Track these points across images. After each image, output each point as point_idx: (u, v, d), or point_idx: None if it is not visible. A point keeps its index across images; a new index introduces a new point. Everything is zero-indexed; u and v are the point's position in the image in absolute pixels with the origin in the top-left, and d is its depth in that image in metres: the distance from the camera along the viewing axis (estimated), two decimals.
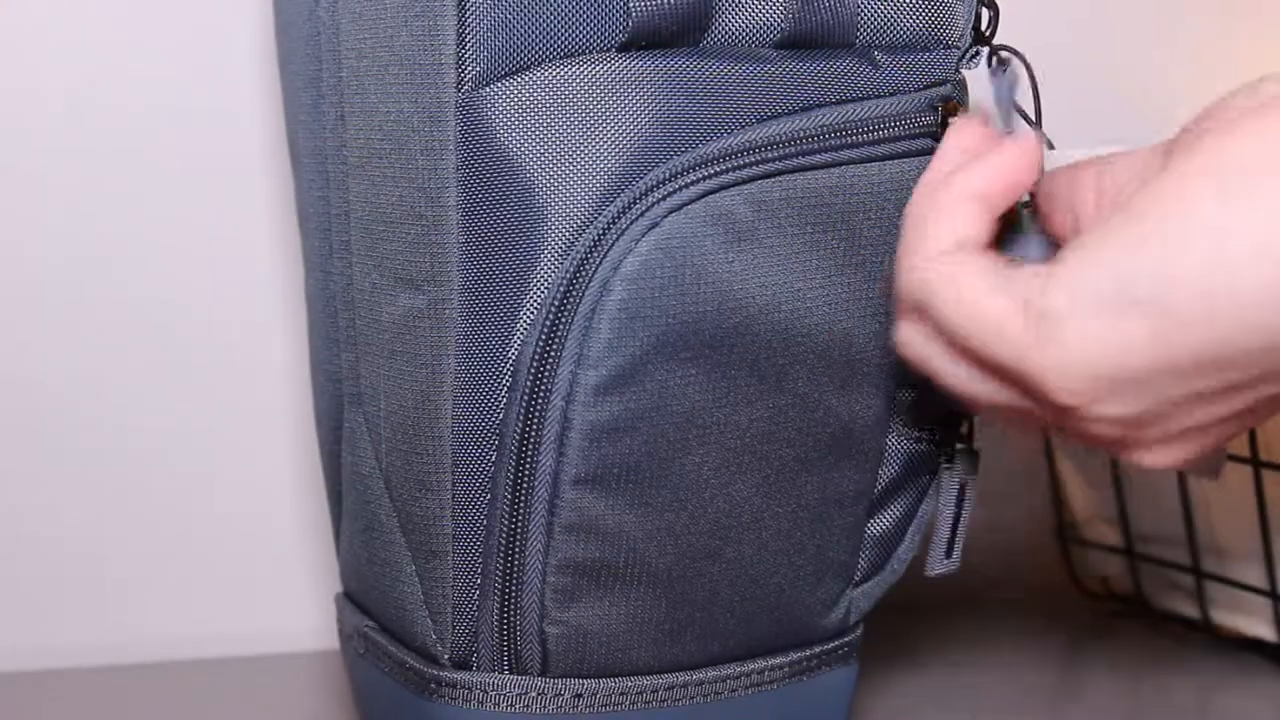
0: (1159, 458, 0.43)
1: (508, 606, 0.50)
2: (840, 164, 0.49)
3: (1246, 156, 0.40)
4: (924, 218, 0.45)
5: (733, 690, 0.53)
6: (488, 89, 0.47)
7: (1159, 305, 0.39)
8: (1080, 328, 0.40)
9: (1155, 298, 0.39)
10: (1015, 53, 0.52)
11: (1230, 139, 0.40)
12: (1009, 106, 0.49)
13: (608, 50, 0.47)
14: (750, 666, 0.53)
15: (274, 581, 0.72)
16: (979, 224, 0.45)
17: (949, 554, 0.56)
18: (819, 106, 0.49)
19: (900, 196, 0.50)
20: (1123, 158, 0.46)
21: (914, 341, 0.45)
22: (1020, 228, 0.48)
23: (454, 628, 0.50)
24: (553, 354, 0.47)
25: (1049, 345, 0.41)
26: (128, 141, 0.70)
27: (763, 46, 0.49)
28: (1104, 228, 0.41)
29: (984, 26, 0.52)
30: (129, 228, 0.70)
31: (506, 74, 0.47)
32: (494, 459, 0.49)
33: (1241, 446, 0.67)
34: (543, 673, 0.50)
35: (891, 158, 0.50)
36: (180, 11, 0.70)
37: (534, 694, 0.51)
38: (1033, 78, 0.52)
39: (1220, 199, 0.39)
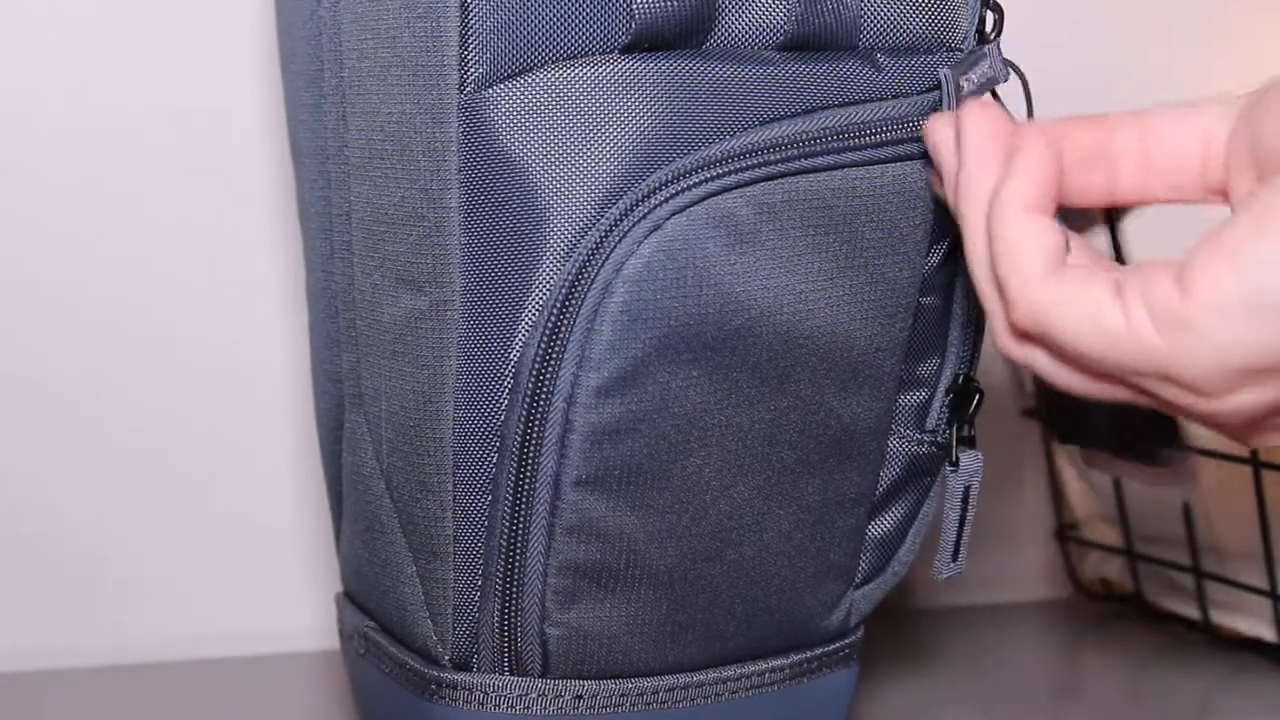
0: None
1: (508, 608, 0.50)
2: (843, 166, 0.49)
3: None
4: (1003, 245, 0.44)
5: (733, 692, 0.53)
6: (490, 90, 0.47)
7: None
8: (1220, 333, 0.40)
9: None
10: (1014, 67, 0.52)
11: None
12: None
13: (611, 52, 0.47)
14: (751, 668, 0.53)
15: (274, 581, 0.72)
16: (1050, 227, 0.44)
17: (955, 557, 0.56)
18: (822, 109, 0.49)
19: (903, 199, 0.50)
20: (1210, 113, 0.45)
21: (1028, 357, 0.45)
22: None
23: (454, 629, 0.50)
24: (554, 356, 0.47)
25: (1187, 348, 0.40)
26: (128, 141, 0.70)
27: (766, 49, 0.49)
28: (1233, 231, 0.40)
29: (988, 29, 0.52)
30: (129, 228, 0.70)
31: (509, 76, 0.47)
32: (495, 460, 0.49)
33: (1241, 446, 0.67)
34: (543, 674, 0.50)
35: (894, 160, 0.50)
36: (180, 11, 0.70)
37: (534, 695, 0.51)
38: (1027, 94, 0.53)
39: None
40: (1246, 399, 0.41)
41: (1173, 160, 0.46)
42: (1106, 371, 0.43)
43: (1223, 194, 0.45)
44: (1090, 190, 0.46)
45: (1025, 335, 0.45)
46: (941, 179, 0.49)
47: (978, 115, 0.47)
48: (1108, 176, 0.46)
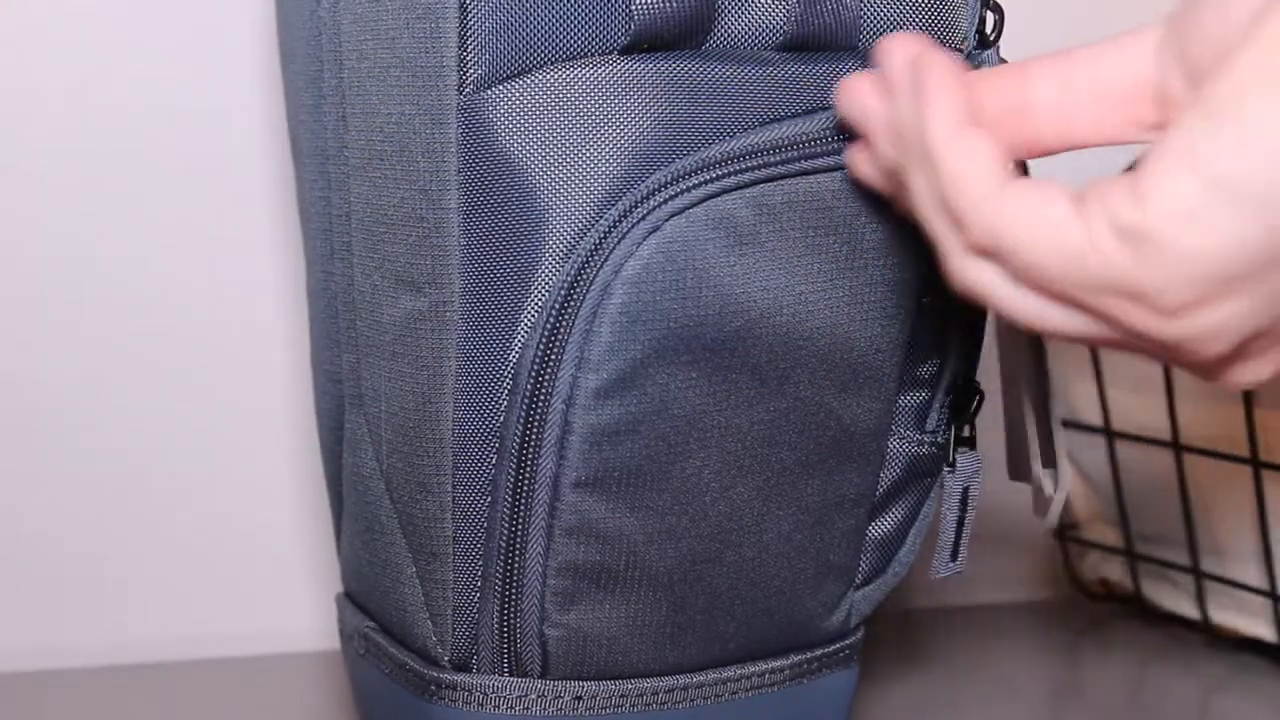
0: (1259, 369, 0.41)
1: (508, 609, 0.50)
2: (843, 167, 0.49)
3: None
4: (947, 167, 0.42)
5: (733, 693, 0.53)
6: (489, 92, 0.47)
7: (1266, 200, 0.37)
8: (1186, 239, 0.38)
9: (1263, 196, 0.37)
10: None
11: None
12: None
13: (610, 53, 0.47)
14: (751, 669, 0.53)
15: (274, 581, 0.72)
16: (988, 139, 0.42)
17: (954, 557, 0.56)
18: (822, 109, 0.49)
19: None
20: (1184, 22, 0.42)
21: (981, 280, 0.43)
22: None
23: (454, 629, 0.50)
24: (553, 357, 0.47)
25: (1152, 261, 0.38)
26: (128, 141, 0.70)
27: (765, 49, 0.49)
28: (1184, 132, 0.38)
29: (988, 29, 0.52)
30: (129, 228, 0.70)
31: (508, 77, 0.47)
32: (494, 461, 0.49)
33: (1241, 447, 0.67)
34: (543, 675, 0.50)
35: None
36: (180, 11, 0.70)
37: (534, 696, 0.51)
38: None
39: None
40: (1217, 316, 0.39)
41: (1103, 99, 0.44)
42: (1067, 293, 0.41)
43: (1160, 129, 0.43)
44: (1016, 139, 0.45)
45: (982, 253, 0.42)
46: (870, 151, 0.47)
47: (895, 48, 0.45)
48: (1031, 124, 0.44)
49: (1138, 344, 0.41)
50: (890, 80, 0.45)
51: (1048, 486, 0.57)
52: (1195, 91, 0.41)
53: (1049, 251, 0.40)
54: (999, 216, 0.41)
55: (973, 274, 0.43)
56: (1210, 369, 0.41)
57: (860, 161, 0.48)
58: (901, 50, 0.45)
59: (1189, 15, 0.42)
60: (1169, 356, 0.41)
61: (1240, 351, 0.41)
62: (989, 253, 0.42)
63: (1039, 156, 0.45)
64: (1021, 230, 0.40)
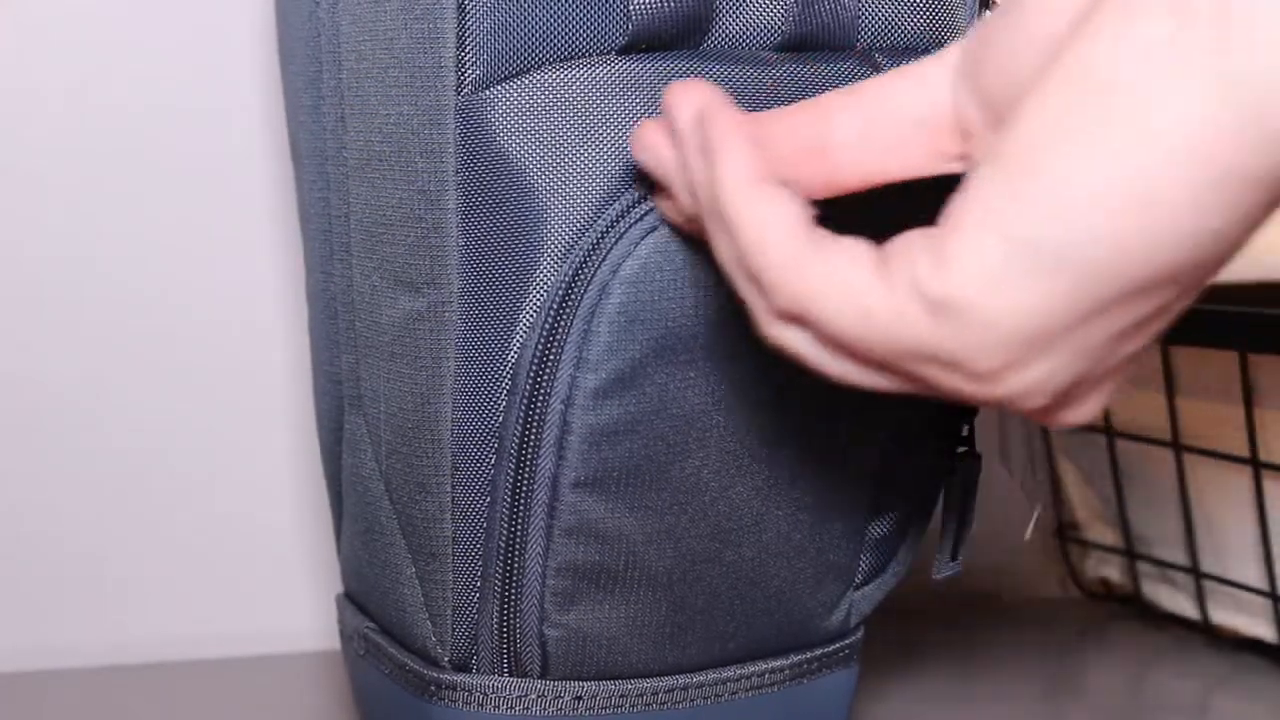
0: (1085, 410, 0.39)
1: (507, 609, 0.50)
2: None
3: (1104, 56, 0.34)
4: (744, 229, 0.40)
5: (733, 693, 0.53)
6: (487, 92, 0.47)
7: (1074, 261, 0.35)
8: (989, 305, 0.36)
9: (1067, 256, 0.35)
10: None
11: (1088, 43, 0.35)
12: None
13: (608, 53, 0.47)
14: (751, 669, 0.53)
15: (274, 581, 0.72)
16: (786, 195, 0.40)
17: (954, 557, 0.56)
18: None
19: None
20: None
21: (793, 343, 0.40)
22: None
23: (454, 630, 0.50)
24: (552, 357, 0.47)
25: (960, 330, 0.36)
26: (128, 141, 0.70)
27: (763, 49, 0.49)
28: (982, 190, 0.36)
29: None
30: (129, 228, 0.70)
31: (506, 77, 0.47)
32: (493, 462, 0.49)
33: (1241, 446, 0.67)
34: (542, 675, 0.50)
35: None
36: (180, 11, 0.70)
37: (534, 696, 0.51)
38: None
39: (1099, 119, 0.34)
40: (1033, 375, 0.37)
41: (903, 133, 0.42)
42: (877, 359, 0.39)
43: (965, 159, 0.41)
44: (815, 181, 0.42)
45: (789, 319, 0.40)
46: (672, 198, 0.45)
47: (682, 97, 0.43)
48: (832, 163, 0.42)
49: (958, 399, 0.39)
50: (679, 137, 0.43)
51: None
52: (993, 130, 0.40)
53: (855, 321, 0.38)
54: (802, 283, 0.39)
55: (782, 338, 0.40)
56: (1034, 416, 0.39)
57: (666, 210, 0.46)
58: (687, 103, 0.43)
59: (981, 45, 0.40)
60: (998, 409, 0.40)
61: (1062, 400, 0.39)
62: (796, 319, 0.40)
63: (842, 194, 0.43)
64: (826, 298, 0.38)
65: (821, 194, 0.42)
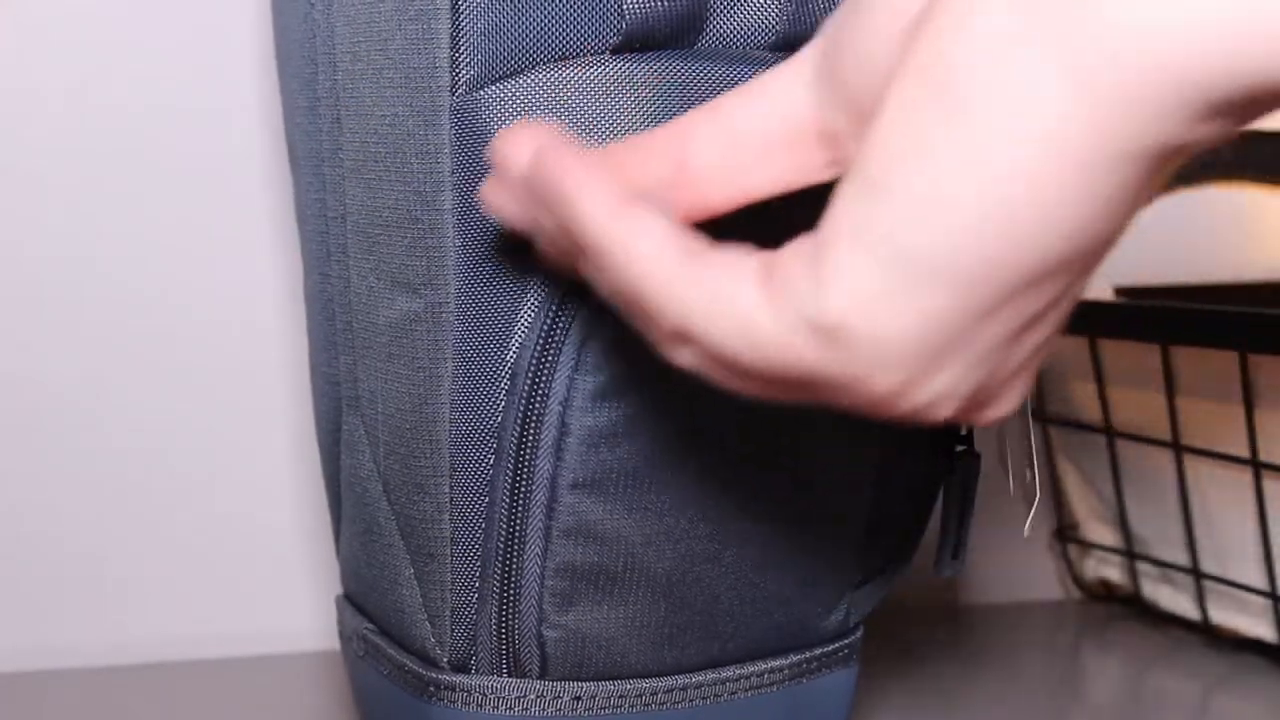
0: (1003, 406, 0.38)
1: (506, 610, 0.50)
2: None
3: (946, 56, 0.33)
4: (616, 260, 0.38)
5: (733, 693, 0.53)
6: (482, 92, 0.47)
7: (949, 271, 0.33)
8: (875, 327, 0.34)
9: (941, 267, 0.33)
10: None
11: (929, 42, 0.33)
12: None
13: (602, 53, 0.47)
14: (750, 669, 0.53)
15: (274, 581, 0.72)
16: (654, 213, 0.37)
17: (955, 556, 0.56)
18: None
19: None
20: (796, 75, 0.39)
21: (692, 363, 0.39)
22: None
23: (452, 631, 0.50)
24: (550, 359, 0.47)
25: (848, 354, 0.35)
26: (128, 141, 0.70)
27: (757, 49, 0.49)
28: (848, 207, 0.34)
29: None
30: (129, 228, 0.70)
31: (501, 77, 0.47)
32: (492, 463, 0.49)
33: (1241, 447, 0.67)
34: (541, 675, 0.50)
35: None
36: (180, 11, 0.70)
37: (533, 697, 0.50)
38: None
39: (950, 122, 0.33)
40: (935, 387, 0.36)
41: (766, 147, 0.40)
42: (776, 380, 0.37)
43: (836, 165, 0.40)
44: (679, 209, 0.41)
45: (680, 341, 0.38)
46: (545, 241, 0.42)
47: (512, 147, 0.40)
48: (696, 190, 0.40)
49: (878, 412, 0.37)
50: (520, 188, 0.41)
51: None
52: (856, 139, 0.38)
53: (745, 347, 0.36)
54: (684, 305, 0.37)
55: (679, 358, 0.39)
56: (963, 416, 0.38)
57: (547, 258, 0.44)
58: (518, 152, 0.41)
59: (834, 48, 0.39)
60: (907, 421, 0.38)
61: (976, 403, 0.37)
62: (685, 341, 0.38)
63: (713, 218, 0.41)
64: (711, 320, 0.36)
65: (690, 220, 0.41)
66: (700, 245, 0.37)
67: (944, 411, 0.37)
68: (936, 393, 0.36)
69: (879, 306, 0.34)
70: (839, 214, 0.34)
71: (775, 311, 0.35)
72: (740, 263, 0.36)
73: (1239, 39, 0.30)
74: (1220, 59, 0.31)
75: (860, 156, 0.34)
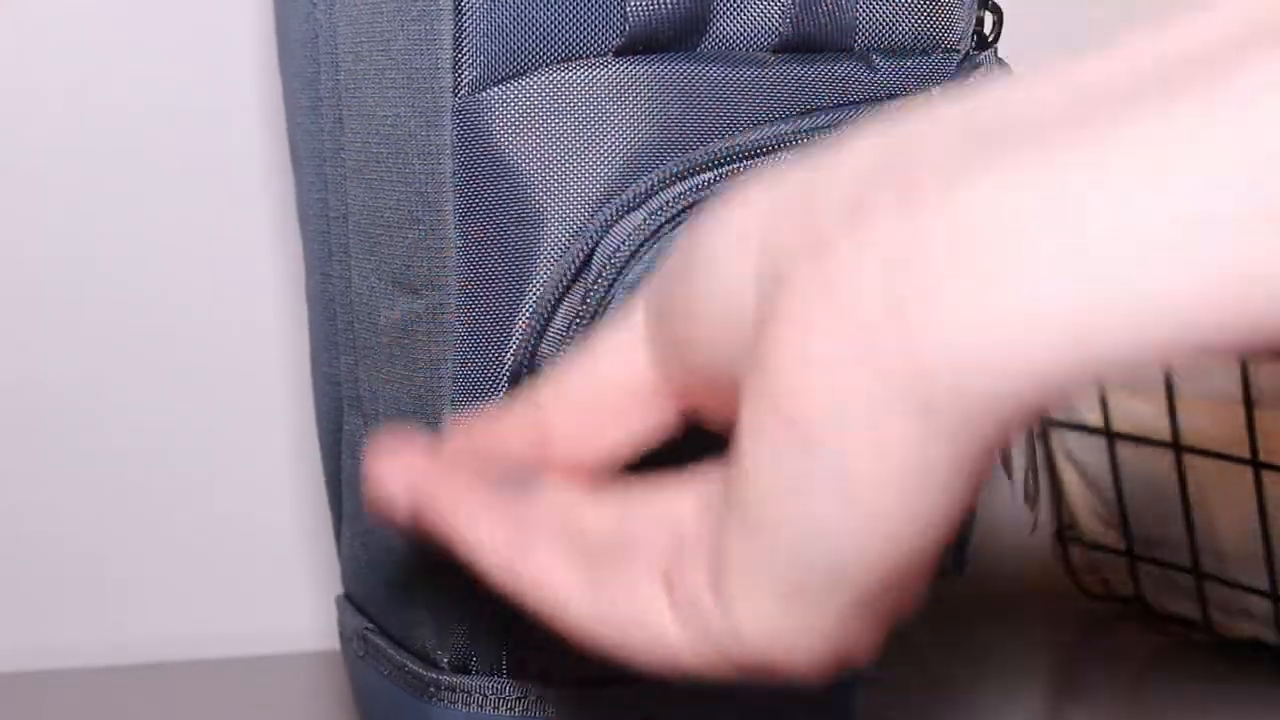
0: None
1: (506, 610, 0.50)
2: None
3: (785, 387, 0.32)
4: (520, 590, 0.37)
5: (733, 692, 0.53)
6: (484, 94, 0.47)
7: (843, 582, 0.33)
8: (786, 656, 0.34)
9: (835, 581, 0.33)
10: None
11: (770, 363, 0.32)
12: None
13: (604, 55, 0.47)
14: None
15: (274, 581, 0.73)
16: (558, 543, 0.37)
17: (957, 559, 0.56)
18: (818, 110, 0.49)
19: None
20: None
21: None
22: None
23: (453, 631, 0.50)
24: (549, 360, 0.47)
25: (772, 674, 0.35)
26: (128, 141, 0.70)
27: (760, 50, 0.49)
28: (733, 541, 0.34)
29: (986, 30, 0.52)
30: (129, 228, 0.70)
31: (503, 79, 0.47)
32: None
33: (1242, 447, 0.67)
34: (542, 676, 0.50)
35: None
36: (180, 11, 0.70)
37: (533, 697, 0.50)
38: None
39: (807, 454, 0.32)
40: (851, 658, 0.35)
41: (618, 409, 0.39)
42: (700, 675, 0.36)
43: (685, 413, 0.39)
44: (556, 475, 0.39)
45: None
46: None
47: (388, 483, 0.39)
48: (563, 465, 0.39)
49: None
50: (410, 528, 0.40)
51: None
52: (706, 388, 0.37)
53: (665, 661, 0.35)
54: (598, 639, 0.36)
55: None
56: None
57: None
58: (396, 487, 0.39)
59: (659, 316, 0.37)
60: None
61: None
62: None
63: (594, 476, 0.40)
64: (630, 651, 0.36)
65: (575, 480, 0.39)
66: (601, 559, 0.37)
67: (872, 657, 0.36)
68: (850, 660, 0.35)
69: (785, 629, 0.34)
70: (729, 548, 0.34)
71: (691, 638, 0.35)
72: (642, 581, 0.36)
73: (1078, 342, 0.29)
74: (1054, 366, 0.29)
75: (733, 488, 0.34)
